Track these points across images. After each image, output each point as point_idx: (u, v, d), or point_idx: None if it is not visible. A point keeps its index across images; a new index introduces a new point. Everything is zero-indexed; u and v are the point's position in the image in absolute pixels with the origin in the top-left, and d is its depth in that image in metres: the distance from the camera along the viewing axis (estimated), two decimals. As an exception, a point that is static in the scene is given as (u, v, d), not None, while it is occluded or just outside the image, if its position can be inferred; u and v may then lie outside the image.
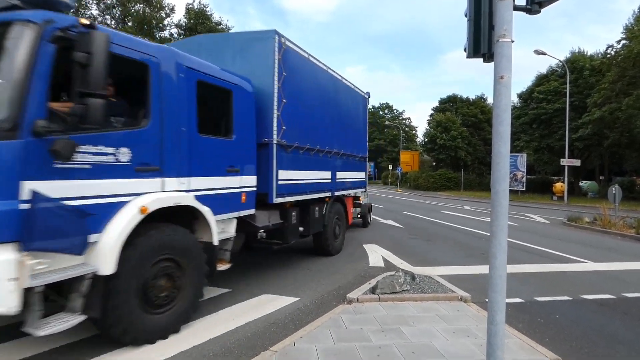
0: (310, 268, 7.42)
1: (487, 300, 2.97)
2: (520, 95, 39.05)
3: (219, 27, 30.53)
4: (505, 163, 2.80)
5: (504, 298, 2.82)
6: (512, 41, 2.75)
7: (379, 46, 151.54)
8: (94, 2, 26.74)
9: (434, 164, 51.37)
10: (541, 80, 36.79)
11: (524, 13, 2.93)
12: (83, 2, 24.96)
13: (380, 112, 74.51)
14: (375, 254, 8.80)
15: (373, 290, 5.55)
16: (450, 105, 51.58)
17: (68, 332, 4.19)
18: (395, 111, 75.76)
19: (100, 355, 3.71)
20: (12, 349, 3.80)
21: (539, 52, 25.90)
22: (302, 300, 5.51)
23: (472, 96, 51.98)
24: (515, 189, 30.58)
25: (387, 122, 68.36)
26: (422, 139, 58.98)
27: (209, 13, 30.40)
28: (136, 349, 3.84)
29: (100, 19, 26.62)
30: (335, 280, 6.58)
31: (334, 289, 6.10)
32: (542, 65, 64.36)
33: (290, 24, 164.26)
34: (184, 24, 30.01)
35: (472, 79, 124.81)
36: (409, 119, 77.50)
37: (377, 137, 69.57)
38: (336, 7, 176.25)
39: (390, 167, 54.42)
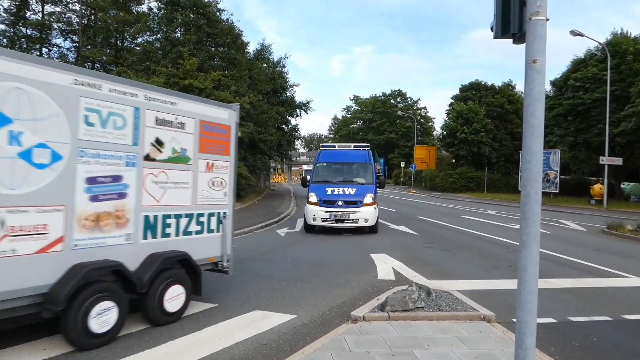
0: (309, 281, 7.42)
1: (514, 320, 2.95)
2: (553, 83, 38.97)
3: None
4: (538, 161, 2.78)
5: (534, 318, 2.81)
6: (547, 19, 2.73)
7: (391, 23, 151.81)
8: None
9: (454, 161, 51.39)
10: (578, 65, 36.67)
11: (561, -13, 2.92)
12: None
13: (392, 101, 74.57)
14: (385, 265, 8.80)
15: (382, 307, 5.54)
16: (473, 93, 51.54)
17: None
18: (409, 99, 75.84)
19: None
20: (11, 356, 4.00)
21: (575, 33, 25.83)
22: (300, 318, 5.51)
23: (498, 83, 52.11)
24: (547, 191, 30.57)
25: (399, 112, 68.28)
26: (440, 132, 59.06)
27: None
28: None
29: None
30: (338, 296, 6.58)
31: (337, 305, 6.10)
32: (579, 49, 64.32)
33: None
34: None
35: (499, 63, 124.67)
36: (424, 108, 77.41)
37: (388, 130, 69.60)
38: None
39: (402, 165, 54.41)
